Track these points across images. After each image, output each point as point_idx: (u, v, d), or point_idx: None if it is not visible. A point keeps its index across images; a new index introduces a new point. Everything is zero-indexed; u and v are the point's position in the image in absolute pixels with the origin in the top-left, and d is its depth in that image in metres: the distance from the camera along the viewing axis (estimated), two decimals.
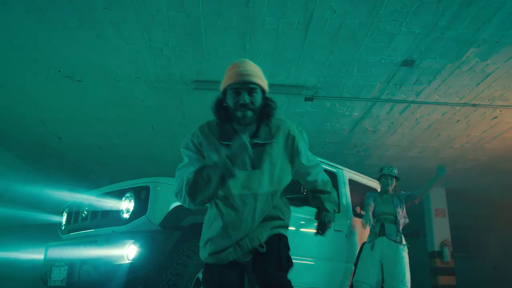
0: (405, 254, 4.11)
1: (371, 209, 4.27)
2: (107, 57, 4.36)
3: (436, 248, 8.35)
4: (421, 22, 3.71)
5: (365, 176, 5.23)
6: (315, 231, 2.24)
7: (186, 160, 1.81)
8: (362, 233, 4.56)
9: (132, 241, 2.78)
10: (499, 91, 4.86)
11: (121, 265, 2.73)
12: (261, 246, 1.77)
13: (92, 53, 4.27)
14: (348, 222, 4.48)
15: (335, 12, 3.62)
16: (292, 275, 1.83)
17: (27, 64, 4.51)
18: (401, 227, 4.23)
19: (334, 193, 2.18)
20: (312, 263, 3.88)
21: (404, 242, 4.16)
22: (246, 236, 1.77)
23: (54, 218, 4.04)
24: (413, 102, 5.16)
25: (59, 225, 3.81)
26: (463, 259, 11.04)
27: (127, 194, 3.05)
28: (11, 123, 6.01)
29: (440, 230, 8.43)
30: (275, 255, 1.77)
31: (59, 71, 4.63)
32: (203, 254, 1.84)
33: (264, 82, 1.77)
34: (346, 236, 4.37)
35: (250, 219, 1.76)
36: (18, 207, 6.63)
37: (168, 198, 2.97)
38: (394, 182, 4.41)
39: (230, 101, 1.74)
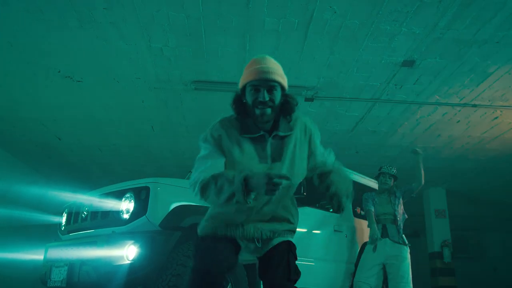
0: (408, 255, 4.10)
1: (374, 215, 4.21)
2: (107, 58, 4.36)
3: (437, 249, 8.33)
4: (422, 23, 3.71)
5: (366, 177, 5.22)
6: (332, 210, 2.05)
7: (204, 152, 1.78)
8: (363, 233, 4.55)
9: (132, 241, 2.77)
10: (499, 91, 4.86)
11: (121, 265, 2.72)
12: (257, 240, 1.78)
13: (92, 53, 4.27)
14: (348, 223, 4.47)
15: (335, 12, 3.62)
16: None
17: (27, 64, 4.51)
18: (402, 224, 4.20)
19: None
20: (313, 264, 3.87)
21: (406, 242, 4.15)
22: (253, 223, 1.78)
23: (54, 218, 4.03)
24: (413, 102, 5.15)
25: (59, 226, 3.80)
26: (463, 260, 11.03)
27: (127, 195, 3.04)
28: (10, 123, 6.00)
29: (441, 231, 8.41)
30: (285, 265, 1.77)
31: (59, 71, 4.63)
32: (207, 226, 1.80)
33: (284, 80, 1.76)
34: (346, 236, 4.36)
35: (264, 208, 1.77)
36: (18, 208, 6.63)
37: (168, 198, 2.96)
38: (392, 181, 4.32)
39: (249, 98, 1.73)
